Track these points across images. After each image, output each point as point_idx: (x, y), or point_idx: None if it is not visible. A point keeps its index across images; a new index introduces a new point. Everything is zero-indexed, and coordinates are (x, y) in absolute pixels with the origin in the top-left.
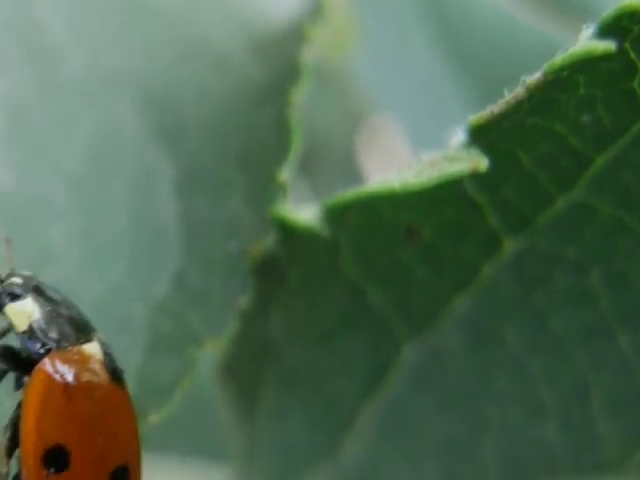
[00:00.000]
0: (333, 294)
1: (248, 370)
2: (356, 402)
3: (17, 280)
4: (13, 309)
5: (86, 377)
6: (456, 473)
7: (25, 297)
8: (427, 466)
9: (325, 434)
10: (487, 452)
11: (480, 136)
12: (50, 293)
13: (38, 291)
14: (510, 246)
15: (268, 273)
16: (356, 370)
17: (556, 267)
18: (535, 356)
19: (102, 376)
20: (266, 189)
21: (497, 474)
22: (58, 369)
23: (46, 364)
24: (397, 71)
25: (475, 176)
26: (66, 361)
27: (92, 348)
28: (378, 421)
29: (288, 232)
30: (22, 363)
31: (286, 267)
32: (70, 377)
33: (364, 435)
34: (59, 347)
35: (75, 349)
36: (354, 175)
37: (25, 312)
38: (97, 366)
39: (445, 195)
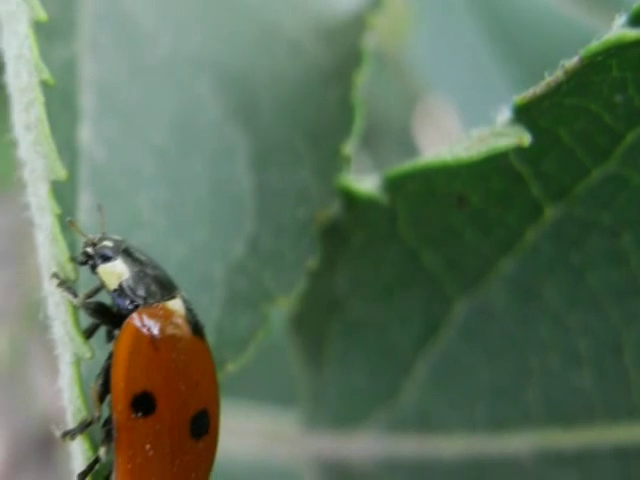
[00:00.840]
0: (391, 256)
1: (316, 323)
2: (412, 351)
3: (108, 243)
4: (105, 270)
5: (170, 330)
6: (502, 416)
7: (116, 259)
8: (477, 409)
9: (385, 380)
10: (530, 397)
11: (524, 114)
12: (138, 255)
13: (127, 253)
14: (550, 213)
15: (334, 237)
16: (412, 323)
17: (591, 231)
18: (572, 311)
19: (185, 329)
20: (332, 161)
21: (540, 417)
22: (145, 323)
23: (134, 319)
24: (449, 56)
25: (519, 150)
26: (152, 316)
27: (176, 304)
28: (433, 369)
29: (351, 200)
30: (113, 318)
31: (349, 231)
32: (156, 330)
33: (420, 381)
34: (146, 304)
35: (160, 305)
36: (410, 149)
37: (115, 272)
38: (180, 320)
39: (492, 167)
